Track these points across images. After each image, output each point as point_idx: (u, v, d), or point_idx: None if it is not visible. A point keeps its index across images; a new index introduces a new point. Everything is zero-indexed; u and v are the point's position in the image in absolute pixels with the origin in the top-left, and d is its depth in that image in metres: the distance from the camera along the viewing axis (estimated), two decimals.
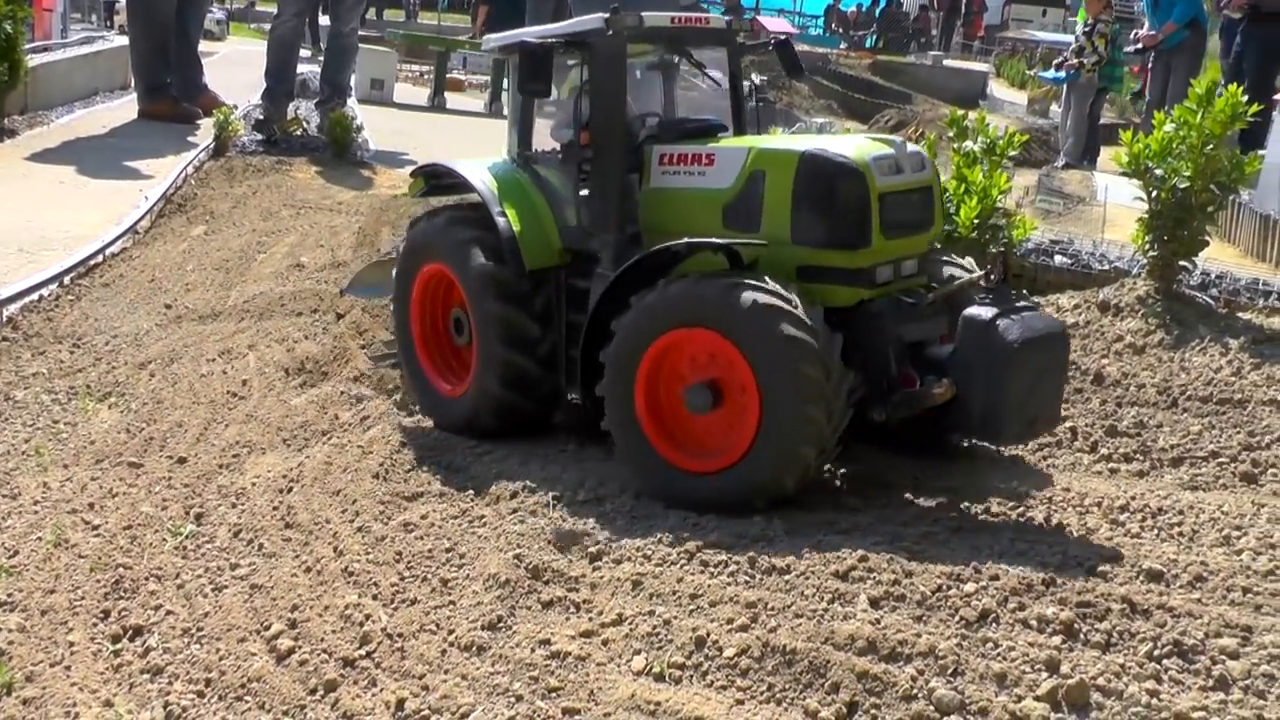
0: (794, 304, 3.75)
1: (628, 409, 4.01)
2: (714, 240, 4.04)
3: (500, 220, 4.56)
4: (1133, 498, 4.00)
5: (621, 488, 4.02)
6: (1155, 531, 3.77)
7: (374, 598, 3.58)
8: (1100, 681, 2.78)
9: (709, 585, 3.28)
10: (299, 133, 11.04)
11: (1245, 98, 5.32)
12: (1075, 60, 11.95)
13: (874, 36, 31.09)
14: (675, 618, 3.17)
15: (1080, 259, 6.52)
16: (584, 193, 4.47)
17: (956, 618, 3.02)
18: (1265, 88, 9.51)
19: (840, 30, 32.90)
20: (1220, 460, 4.36)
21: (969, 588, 3.11)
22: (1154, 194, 5.40)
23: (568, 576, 3.48)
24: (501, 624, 3.32)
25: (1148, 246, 5.47)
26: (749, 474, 3.75)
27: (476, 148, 11.58)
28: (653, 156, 4.41)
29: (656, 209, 4.39)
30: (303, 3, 11.09)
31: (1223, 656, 2.89)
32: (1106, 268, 6.34)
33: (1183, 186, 5.29)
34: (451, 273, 4.70)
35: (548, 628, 3.26)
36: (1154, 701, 2.73)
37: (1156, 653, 2.90)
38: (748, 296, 3.74)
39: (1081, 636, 2.95)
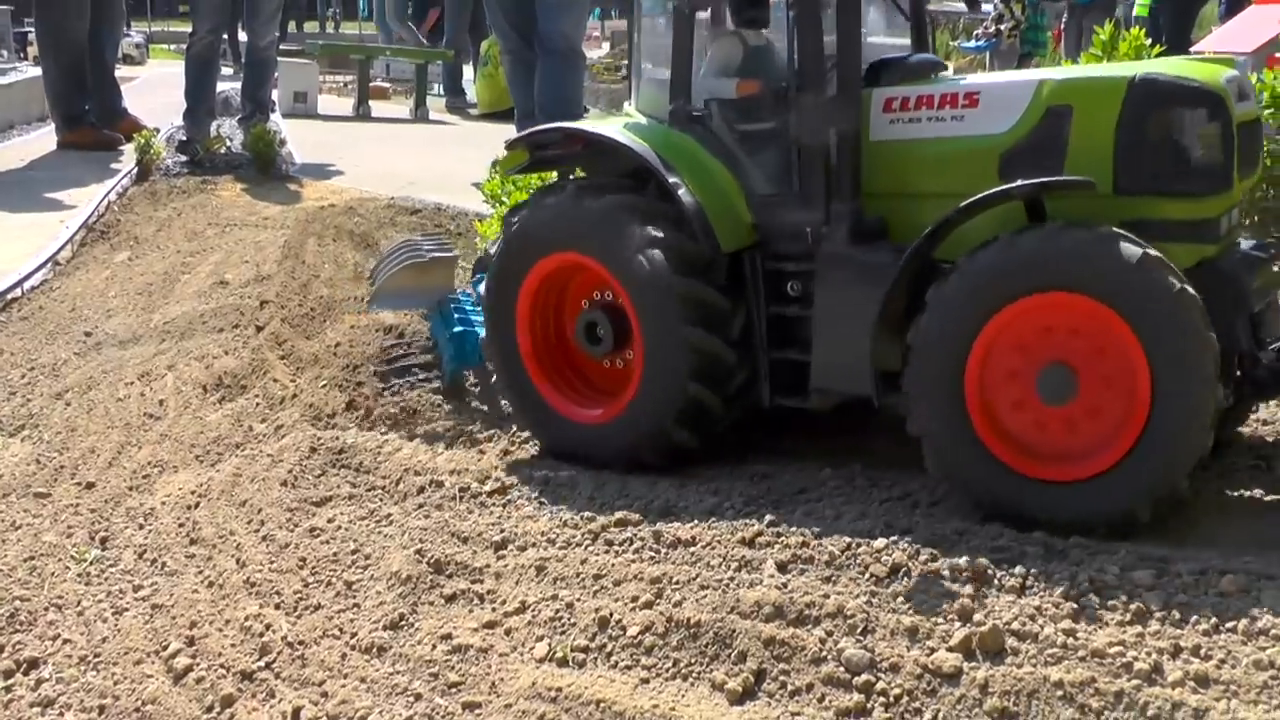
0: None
1: (954, 405, 3.21)
2: (1074, 179, 3.24)
3: (683, 194, 3.75)
4: None
5: (529, 475, 3.88)
6: None
7: (276, 607, 3.43)
8: (1015, 626, 2.67)
9: (613, 564, 3.15)
10: (223, 151, 10.85)
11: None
12: (995, 28, 11.92)
13: None
14: (579, 600, 3.05)
15: None
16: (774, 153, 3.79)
17: (866, 575, 2.91)
18: (1181, 44, 9.48)
19: None
20: None
21: (878, 543, 2.99)
22: None
23: (472, 568, 3.35)
24: (404, 622, 3.19)
25: None
26: (1133, 476, 3.04)
27: (405, 152, 11.52)
28: (873, 103, 3.64)
29: (886, 167, 3.61)
30: (217, 19, 10.88)
31: (1140, 590, 2.79)
32: None
33: None
34: (595, 260, 3.87)
35: (450, 622, 3.13)
36: (1070, 641, 2.63)
37: (1074, 592, 2.79)
38: (1132, 251, 3.01)
39: (996, 583, 2.84)
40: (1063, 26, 12.46)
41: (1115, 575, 2.83)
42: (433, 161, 10.41)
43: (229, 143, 11.07)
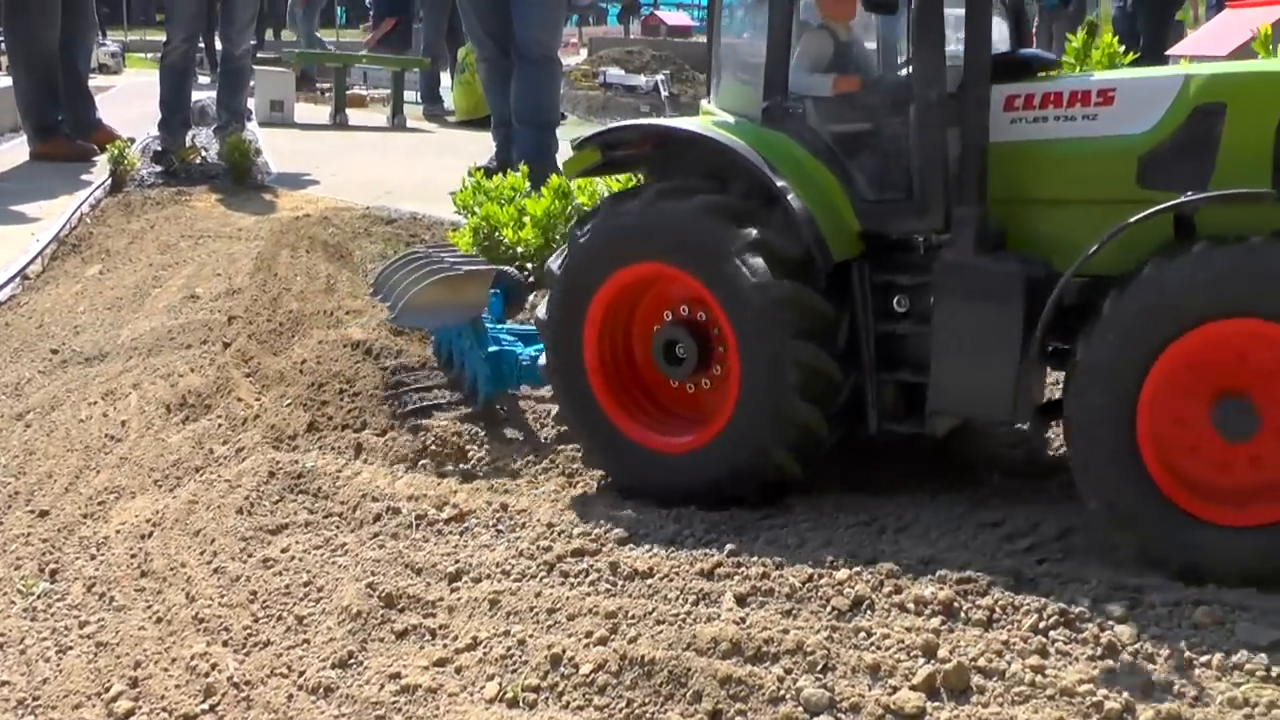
0: None
1: (1123, 440, 2.91)
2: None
3: (792, 199, 3.41)
4: None
5: (487, 501, 3.77)
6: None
7: (224, 644, 3.31)
8: (981, 662, 2.56)
9: (568, 598, 3.04)
10: (198, 161, 10.72)
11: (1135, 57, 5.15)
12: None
13: None
14: (531, 636, 2.93)
15: None
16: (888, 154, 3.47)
17: (828, 608, 2.79)
18: (1158, 49, 9.40)
19: None
20: None
21: (841, 575, 2.88)
22: None
23: (424, 601, 3.23)
24: (352, 660, 3.07)
25: None
26: None
27: (382, 161, 11.39)
28: (991, 101, 3.35)
29: (1006, 170, 3.31)
30: (191, 28, 10.76)
31: (1111, 623, 2.68)
32: None
33: None
34: (683, 269, 3.53)
35: (400, 659, 3.01)
36: (1039, 679, 2.52)
37: (1042, 625, 2.68)
38: None
39: (963, 615, 2.73)
40: (1034, 32, 12.47)
41: (1086, 607, 2.72)
42: (410, 170, 10.30)
43: (204, 153, 10.95)
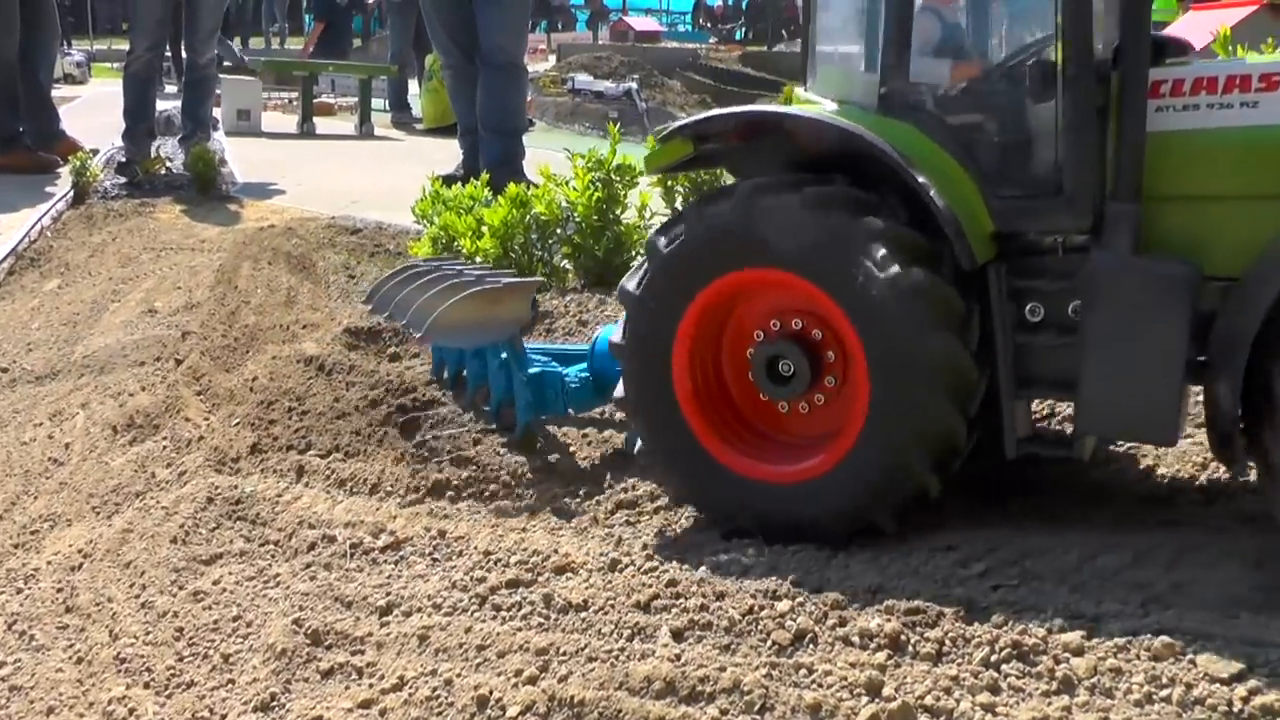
0: None
1: None
2: None
3: (935, 195, 3.09)
4: None
5: (425, 527, 3.61)
6: None
7: (145, 686, 3.15)
8: (928, 700, 2.41)
9: (499, 633, 2.88)
10: (163, 172, 10.54)
11: None
12: None
13: (742, 29, 30.92)
14: (459, 675, 2.77)
15: None
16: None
17: (769, 643, 2.64)
18: None
19: (708, 25, 32.64)
20: None
21: (783, 606, 2.72)
22: None
23: (353, 637, 3.07)
24: (274, 703, 2.91)
25: None
26: None
27: (349, 169, 11.21)
28: None
29: (1152, 163, 2.99)
30: (155, 36, 10.57)
31: (1067, 654, 2.53)
32: None
33: None
34: (797, 271, 3.16)
35: (324, 701, 2.85)
36: (988, 718, 2.37)
37: (994, 658, 2.53)
38: None
39: (910, 649, 2.58)
40: None
41: (1041, 638, 2.57)
42: (377, 178, 10.14)
43: (169, 163, 10.76)
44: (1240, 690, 2.43)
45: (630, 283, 3.49)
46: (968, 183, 3.16)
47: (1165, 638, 2.55)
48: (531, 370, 4.24)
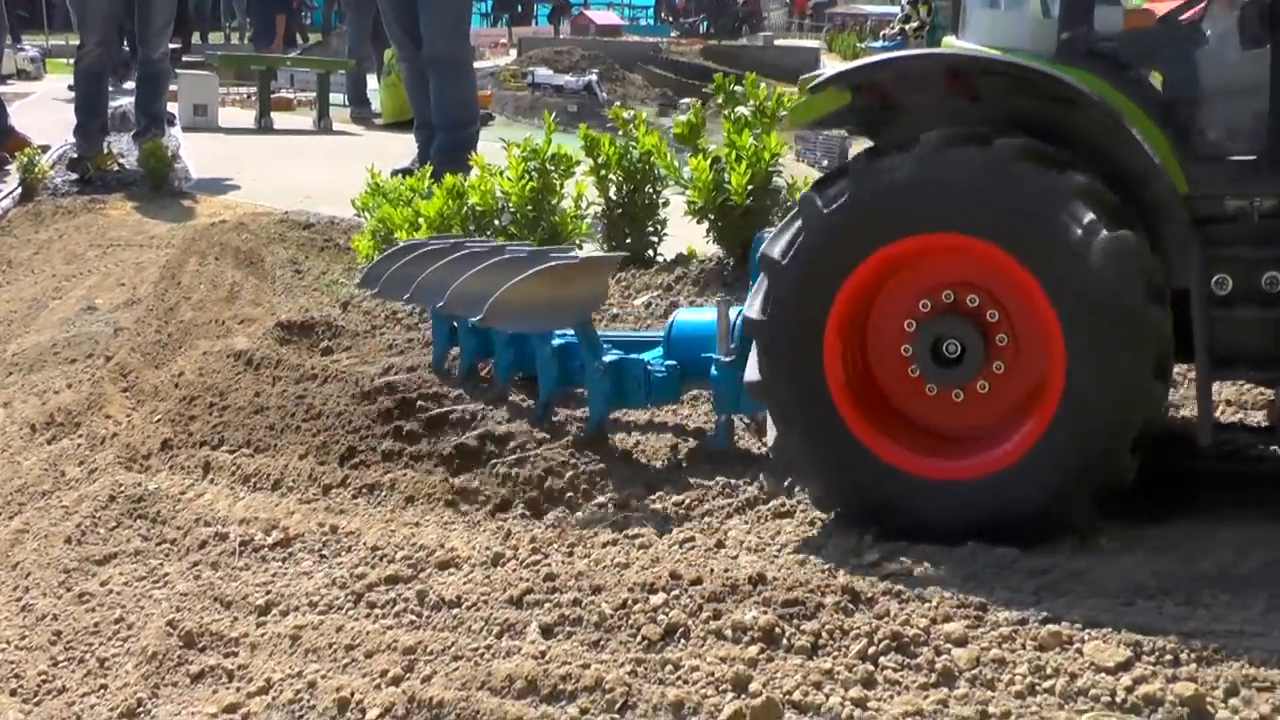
0: None
1: None
2: None
3: (1149, 152, 2.79)
4: None
5: (319, 524, 3.49)
6: None
7: (12, 693, 3.03)
8: (796, 696, 2.30)
9: (369, 632, 2.76)
10: (115, 168, 10.38)
11: None
12: (900, 28, 11.79)
13: (704, 22, 30.86)
14: (324, 676, 2.66)
15: None
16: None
17: (638, 638, 2.52)
18: None
19: (670, 19, 32.54)
20: None
21: (657, 599, 2.60)
22: None
23: (227, 639, 2.95)
24: (141, 709, 2.79)
25: None
26: None
27: (305, 164, 11.05)
28: None
29: None
30: (103, 31, 10.41)
31: (949, 645, 2.42)
32: None
33: None
34: (977, 235, 2.82)
35: (190, 706, 2.74)
36: (858, 713, 2.26)
37: (872, 650, 2.42)
38: None
39: (784, 642, 2.46)
40: None
41: (922, 629, 2.46)
42: (333, 173, 9.99)
43: (122, 159, 10.61)
44: (1125, 679, 2.32)
45: (775, 247, 3.02)
46: (1161, 141, 2.85)
47: (1052, 626, 2.44)
48: (607, 358, 3.77)
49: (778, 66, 21.45)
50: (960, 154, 2.81)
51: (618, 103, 13.62)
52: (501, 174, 6.09)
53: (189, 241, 8.47)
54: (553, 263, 3.77)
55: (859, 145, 11.90)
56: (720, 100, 5.57)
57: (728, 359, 3.55)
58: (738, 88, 5.56)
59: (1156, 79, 2.98)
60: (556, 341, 3.95)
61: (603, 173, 5.81)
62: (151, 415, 5.04)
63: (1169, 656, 2.39)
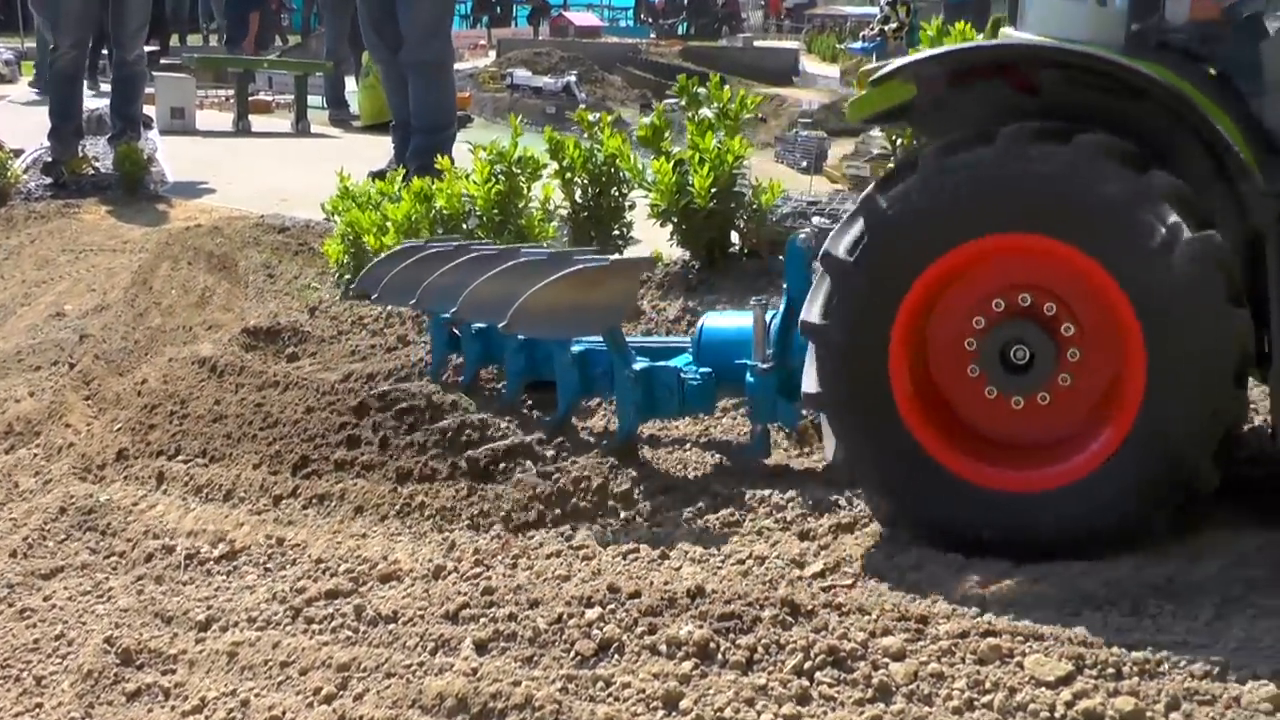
0: None
1: None
2: None
3: (1235, 149, 2.69)
4: None
5: (267, 535, 3.44)
6: None
7: None
8: (728, 713, 2.26)
9: (305, 648, 2.72)
10: (90, 172, 10.32)
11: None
12: (880, 29, 11.79)
13: (684, 23, 30.88)
14: (258, 695, 2.61)
15: (839, 218, 6.03)
16: None
17: (572, 654, 2.48)
18: None
19: (650, 20, 32.52)
20: None
21: (593, 614, 2.56)
22: (898, 142, 5.00)
23: (165, 656, 2.91)
24: None
25: None
26: None
27: (282, 167, 10.99)
28: None
29: None
30: (80, 33, 10.35)
31: (886, 659, 2.38)
32: None
33: None
34: (1055, 236, 2.70)
35: None
36: None
37: (808, 665, 2.38)
38: None
39: (720, 657, 2.42)
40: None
41: (860, 642, 2.42)
42: (310, 176, 9.92)
43: (96, 163, 10.54)
44: (1065, 694, 2.28)
45: (839, 245, 2.87)
46: (1235, 134, 2.72)
47: (992, 639, 2.40)
48: (637, 365, 3.60)
49: (757, 68, 21.53)
50: (1042, 150, 2.69)
51: (597, 104, 13.62)
52: (468, 177, 6.03)
53: (162, 246, 8.42)
54: (581, 265, 3.62)
55: (840, 147, 11.92)
56: (684, 102, 5.52)
57: (765, 366, 3.41)
58: (701, 89, 5.50)
59: (1229, 71, 2.87)
60: (576, 348, 3.82)
61: (568, 176, 5.76)
62: (112, 424, 4.99)
63: (1111, 670, 2.35)
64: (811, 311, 2.91)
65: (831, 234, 2.97)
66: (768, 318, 3.47)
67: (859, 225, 2.86)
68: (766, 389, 3.43)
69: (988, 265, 2.82)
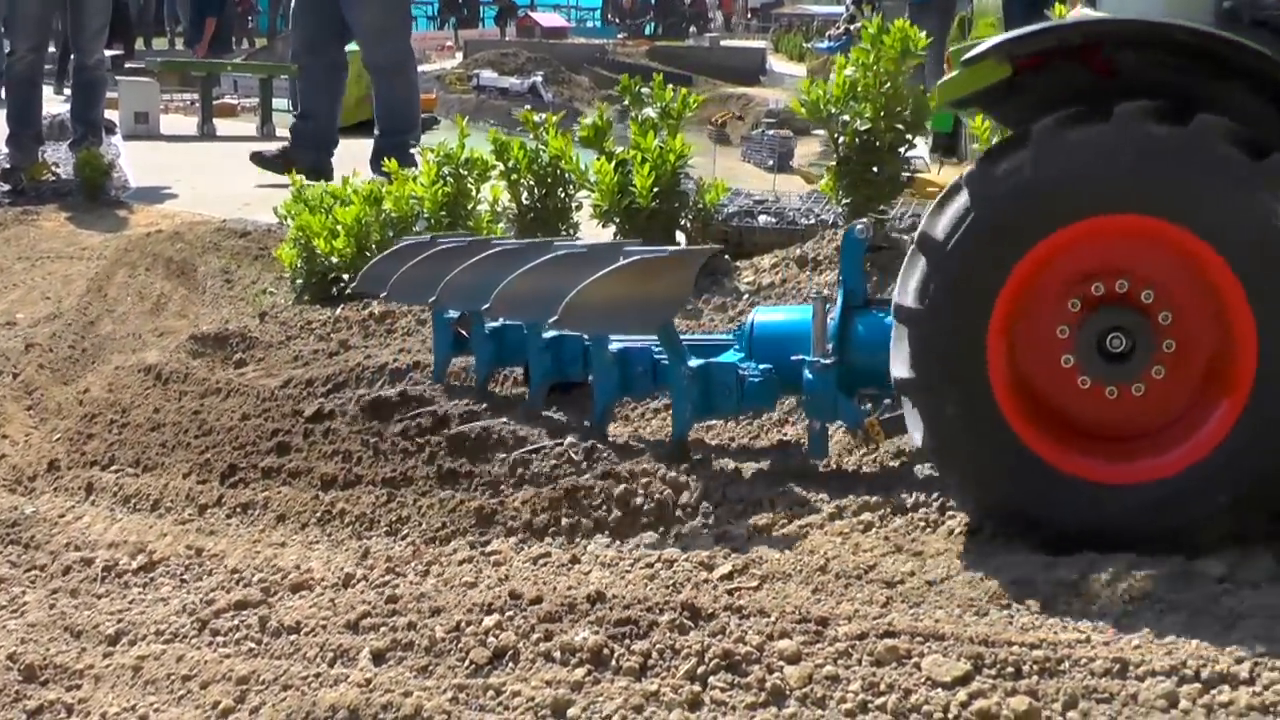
0: None
1: None
2: None
3: None
4: None
5: (187, 546, 3.40)
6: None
7: None
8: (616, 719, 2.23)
9: (207, 661, 2.68)
10: (50, 179, 10.26)
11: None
12: (845, 28, 11.83)
13: (652, 23, 30.93)
14: (157, 710, 2.58)
15: (785, 216, 6.04)
16: None
17: (466, 662, 2.45)
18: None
19: (617, 20, 32.54)
20: None
21: (490, 621, 2.53)
22: (839, 139, 4.98)
23: (72, 671, 2.86)
24: None
25: (839, 195, 5.04)
26: None
27: (247, 171, 10.91)
28: None
29: None
30: (37, 36, 10.30)
31: (781, 663, 2.35)
32: (812, 221, 5.86)
33: (864, 129, 4.87)
34: (1168, 218, 2.65)
35: None
36: None
37: (701, 670, 2.35)
38: None
39: (613, 663, 2.39)
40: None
41: (755, 646, 2.39)
42: (274, 180, 9.90)
43: (56, 169, 10.48)
44: (960, 694, 2.26)
45: (937, 224, 2.78)
46: None
47: (889, 640, 2.38)
48: (693, 362, 3.43)
49: (723, 67, 21.63)
50: (1159, 130, 2.63)
51: (564, 104, 13.59)
52: (414, 179, 6.00)
53: (121, 252, 8.38)
54: (639, 257, 3.45)
55: (806, 145, 11.92)
56: (627, 102, 5.51)
57: (826, 362, 3.29)
58: (645, 89, 5.49)
59: None
60: (615, 345, 3.64)
61: (513, 177, 5.73)
62: (51, 434, 4.96)
63: (1010, 669, 2.33)
64: (905, 294, 2.81)
65: (926, 213, 2.87)
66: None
67: (959, 204, 2.75)
68: (827, 386, 3.30)
69: (1088, 247, 2.74)
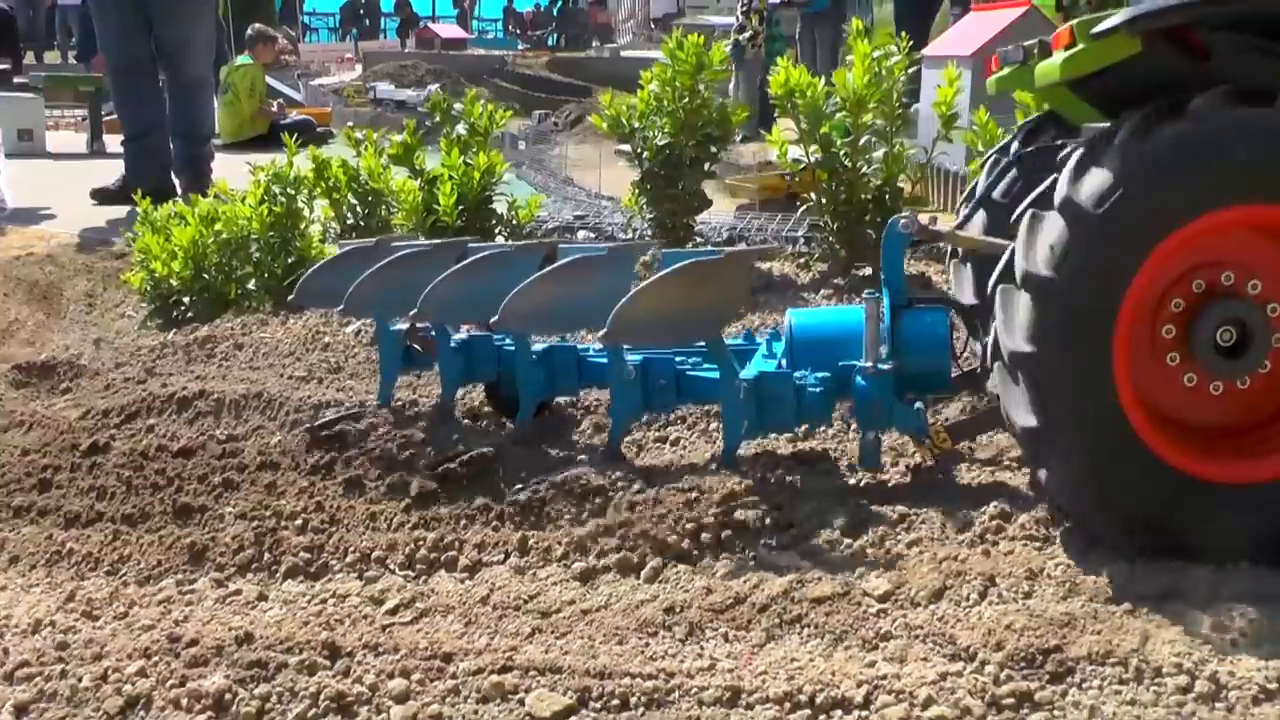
0: None
1: None
2: None
3: None
4: None
5: (127, 558, 3.36)
6: None
7: None
8: None
9: None
10: None
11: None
12: (735, 38, 12.01)
13: (554, 35, 30.98)
14: None
15: (604, 230, 6.12)
16: None
17: (100, 712, 2.47)
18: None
19: (519, 31, 32.62)
20: None
21: (134, 667, 2.57)
22: (642, 154, 5.06)
23: None
24: None
25: (642, 209, 5.13)
26: None
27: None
28: None
29: None
30: None
31: (390, 702, 2.41)
32: (631, 236, 5.93)
33: (662, 143, 4.95)
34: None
35: None
36: None
37: (312, 713, 2.40)
38: None
39: (233, 710, 2.44)
40: (797, 35, 12.76)
41: (370, 685, 2.44)
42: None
43: None
44: None
45: (1039, 264, 2.65)
46: None
47: (496, 677, 2.44)
48: (747, 374, 3.24)
49: (624, 77, 21.64)
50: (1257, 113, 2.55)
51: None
52: (242, 200, 6.02)
53: None
54: (694, 260, 3.25)
55: (760, 150, 11.92)
56: (438, 118, 5.56)
57: (885, 367, 3.12)
58: (457, 106, 5.55)
59: None
60: (634, 357, 3.42)
61: (334, 195, 5.78)
62: None
63: (616, 701, 2.40)
64: (1033, 260, 2.66)
65: (1063, 179, 2.69)
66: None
67: (1107, 172, 2.61)
68: (883, 392, 3.14)
69: (1211, 238, 2.68)
